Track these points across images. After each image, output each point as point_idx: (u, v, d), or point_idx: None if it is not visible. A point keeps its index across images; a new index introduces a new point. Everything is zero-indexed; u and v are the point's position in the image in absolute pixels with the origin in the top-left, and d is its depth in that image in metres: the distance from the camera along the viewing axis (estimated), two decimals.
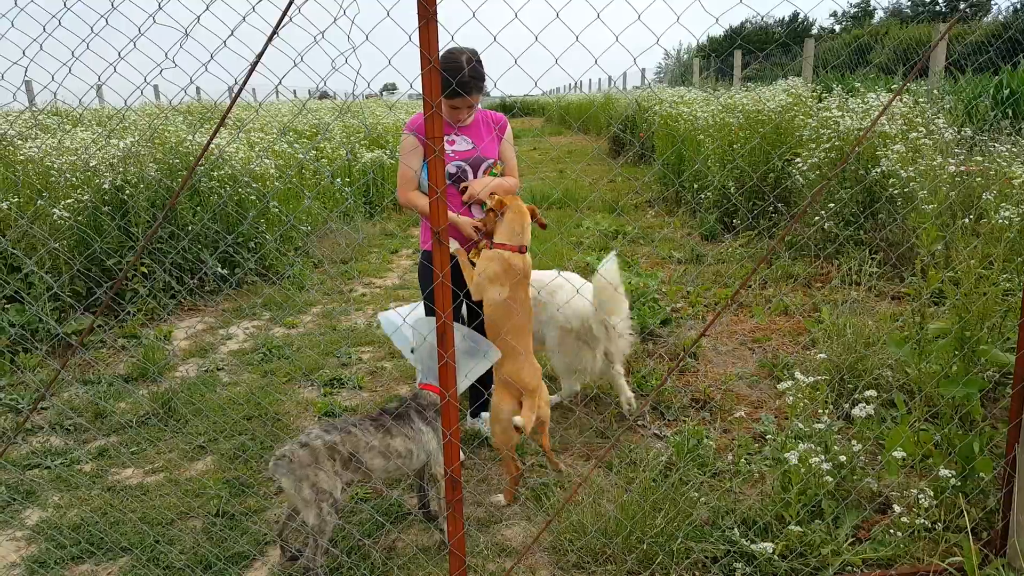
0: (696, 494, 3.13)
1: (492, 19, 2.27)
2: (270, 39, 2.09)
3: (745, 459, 3.53)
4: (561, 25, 2.20)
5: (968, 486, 2.98)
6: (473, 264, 3.36)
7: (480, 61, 3.33)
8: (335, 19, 2.02)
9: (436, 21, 2.00)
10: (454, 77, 3.20)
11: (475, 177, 3.49)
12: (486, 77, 3.36)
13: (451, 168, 3.44)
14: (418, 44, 2.01)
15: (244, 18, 2.12)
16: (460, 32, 2.37)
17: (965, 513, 2.78)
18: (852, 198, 6.23)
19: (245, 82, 2.22)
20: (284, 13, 2.08)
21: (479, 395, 3.98)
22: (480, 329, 3.52)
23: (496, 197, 3.28)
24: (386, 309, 6.35)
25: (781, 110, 7.83)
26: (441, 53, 3.19)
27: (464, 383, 3.13)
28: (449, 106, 3.36)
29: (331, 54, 2.03)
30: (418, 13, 1.99)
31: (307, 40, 2.09)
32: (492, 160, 3.52)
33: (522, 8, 2.16)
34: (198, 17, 2.10)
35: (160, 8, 2.11)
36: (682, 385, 4.53)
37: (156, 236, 6.24)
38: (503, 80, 2.58)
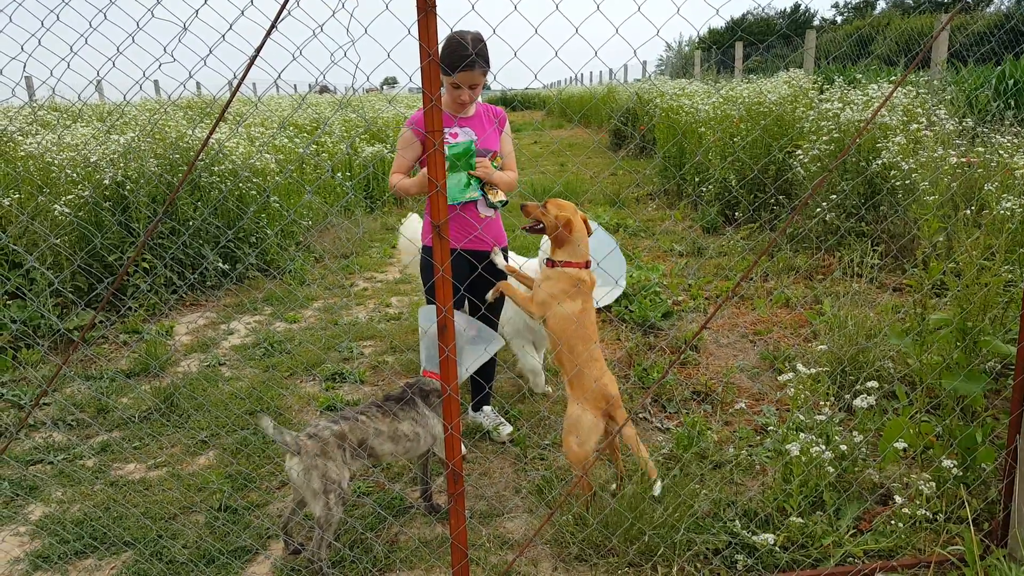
0: (697, 486, 3.13)
1: (491, 11, 2.26)
2: (268, 33, 2.08)
3: (746, 451, 3.53)
4: (561, 17, 2.19)
5: (969, 477, 2.99)
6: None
7: (484, 42, 3.28)
8: (334, 12, 2.01)
9: (435, 13, 1.99)
10: (457, 53, 3.17)
11: None
12: (489, 61, 3.33)
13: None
14: (417, 37, 2.01)
15: (243, 12, 2.11)
16: (459, 25, 2.36)
17: (966, 504, 2.79)
18: (853, 190, 6.22)
19: (244, 76, 2.21)
20: (283, 7, 2.07)
21: (480, 388, 3.98)
22: (483, 321, 3.53)
23: (558, 213, 3.11)
24: (387, 304, 6.35)
25: (781, 102, 7.81)
26: (445, 37, 3.19)
27: (464, 373, 3.13)
28: (451, 84, 3.29)
29: (330, 48, 2.02)
30: (417, 5, 1.98)
31: (306, 34, 2.08)
32: (493, 151, 3.52)
33: (522, 0, 2.16)
34: (196, 11, 2.10)
35: (158, 2, 2.11)
36: (683, 378, 4.53)
37: (157, 231, 6.24)
38: (503, 73, 2.58)
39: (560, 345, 3.08)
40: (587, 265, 3.14)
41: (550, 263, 3.15)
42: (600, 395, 3.01)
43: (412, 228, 4.68)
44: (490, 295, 3.37)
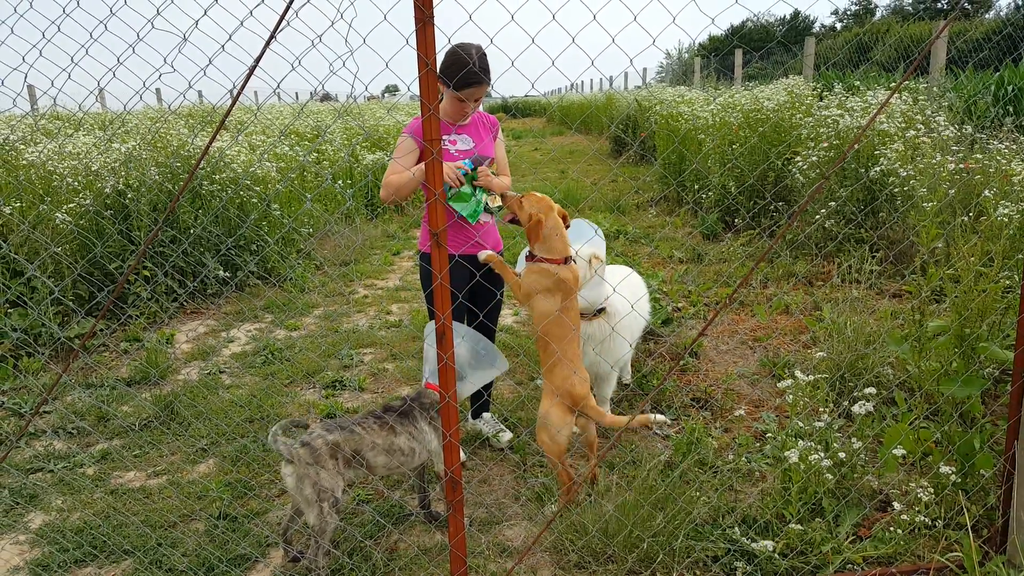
0: (697, 493, 3.13)
1: (489, 21, 2.28)
2: (268, 43, 2.10)
3: (746, 458, 3.53)
4: (558, 26, 2.21)
5: (968, 483, 2.99)
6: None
7: (486, 55, 3.35)
8: (332, 23, 2.03)
9: (433, 24, 2.01)
10: (465, 70, 3.22)
11: None
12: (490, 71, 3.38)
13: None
14: (415, 47, 2.02)
15: (242, 23, 2.13)
16: (457, 35, 2.39)
17: (965, 510, 2.79)
18: (852, 196, 6.23)
19: (244, 86, 2.23)
20: (282, 17, 2.09)
21: (479, 395, 3.99)
22: (481, 330, 3.54)
23: (529, 212, 3.16)
24: (388, 311, 6.36)
25: (778, 109, 7.83)
26: (448, 49, 3.24)
27: (469, 389, 3.14)
28: (458, 99, 3.35)
29: (329, 57, 2.04)
30: (415, 16, 2.00)
31: (305, 44, 2.10)
32: (490, 158, 3.55)
33: (519, 10, 2.17)
34: (196, 22, 2.11)
35: (159, 13, 2.12)
36: (683, 384, 4.53)
37: (157, 240, 6.25)
38: (500, 82, 2.60)
39: (539, 338, 3.20)
40: (566, 261, 3.17)
41: (529, 257, 3.22)
42: (566, 393, 3.10)
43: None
44: (483, 256, 3.35)
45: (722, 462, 3.51)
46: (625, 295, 3.75)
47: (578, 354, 3.20)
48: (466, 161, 3.40)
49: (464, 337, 3.09)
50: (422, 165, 3.33)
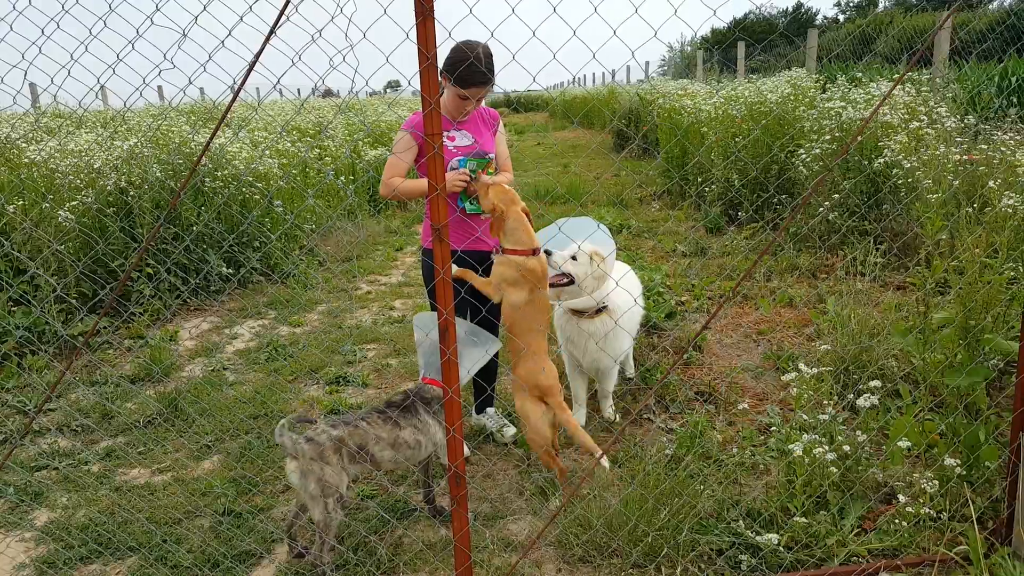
0: (701, 487, 3.13)
1: (489, 15, 2.27)
2: (268, 38, 2.09)
3: (750, 451, 3.53)
4: (559, 20, 2.20)
5: (973, 475, 2.98)
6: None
7: (492, 54, 3.34)
8: (332, 17, 2.02)
9: (433, 18, 2.00)
10: (472, 67, 3.21)
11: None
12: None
13: (454, 163, 3.44)
14: (415, 41, 2.01)
15: (242, 18, 2.12)
16: (457, 28, 2.38)
17: (970, 502, 2.78)
18: (855, 188, 6.20)
19: (244, 82, 2.22)
20: (281, 12, 2.08)
21: (483, 391, 3.99)
22: (483, 324, 3.54)
23: (493, 203, 3.21)
24: (391, 307, 6.37)
25: (781, 101, 7.80)
26: (454, 45, 3.24)
27: (465, 376, 3.16)
28: (461, 96, 3.33)
29: (329, 52, 2.03)
30: (415, 10, 1.99)
31: (305, 39, 2.09)
32: (492, 155, 3.54)
33: (519, 3, 2.16)
34: (196, 18, 2.11)
35: (158, 9, 2.12)
36: (687, 378, 4.53)
37: (160, 237, 6.26)
38: (502, 76, 2.59)
39: (508, 330, 3.25)
40: (534, 253, 3.21)
41: (499, 251, 3.27)
42: (534, 384, 3.18)
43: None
44: (455, 272, 3.33)
45: (726, 456, 3.50)
46: (621, 293, 3.75)
47: (544, 347, 3.24)
48: (460, 160, 3.39)
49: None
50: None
